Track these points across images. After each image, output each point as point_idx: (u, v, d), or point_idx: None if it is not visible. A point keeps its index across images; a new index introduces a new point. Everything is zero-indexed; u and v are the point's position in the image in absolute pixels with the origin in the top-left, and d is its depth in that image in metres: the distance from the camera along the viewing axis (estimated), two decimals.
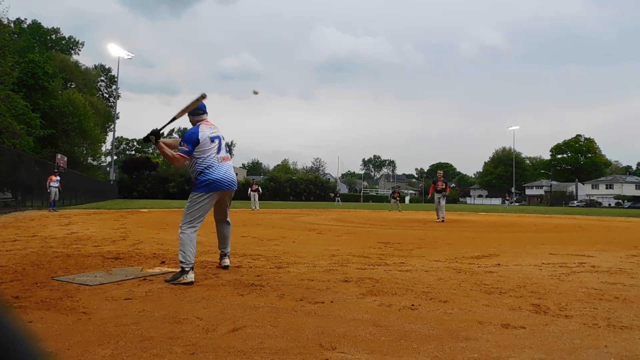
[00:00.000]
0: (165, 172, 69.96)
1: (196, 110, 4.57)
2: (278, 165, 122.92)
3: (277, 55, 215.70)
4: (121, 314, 3.02)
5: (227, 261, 4.90)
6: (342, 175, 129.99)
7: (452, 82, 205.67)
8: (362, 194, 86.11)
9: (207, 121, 4.63)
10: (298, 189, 73.47)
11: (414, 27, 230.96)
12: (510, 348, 2.46)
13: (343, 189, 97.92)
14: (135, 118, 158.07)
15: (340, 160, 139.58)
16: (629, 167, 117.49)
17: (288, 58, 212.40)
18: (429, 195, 18.05)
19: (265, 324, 2.84)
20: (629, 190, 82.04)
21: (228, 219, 4.95)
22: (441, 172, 17.33)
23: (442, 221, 15.85)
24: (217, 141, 4.54)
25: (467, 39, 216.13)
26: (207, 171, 4.43)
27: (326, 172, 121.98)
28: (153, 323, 2.82)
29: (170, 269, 4.78)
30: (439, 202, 16.42)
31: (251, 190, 25.55)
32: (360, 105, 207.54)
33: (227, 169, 4.59)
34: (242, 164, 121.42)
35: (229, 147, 4.29)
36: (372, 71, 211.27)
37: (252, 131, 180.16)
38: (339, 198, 49.77)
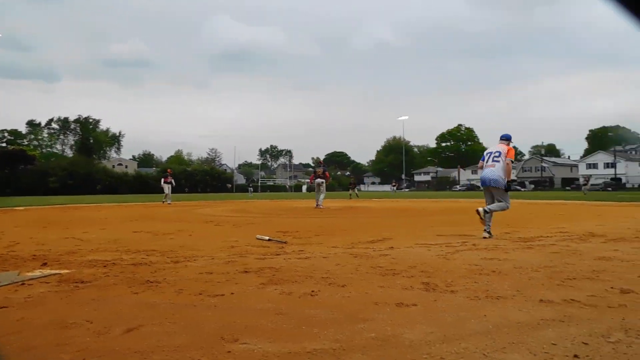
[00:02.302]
0: (44, 165, 64.14)
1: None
2: (171, 156, 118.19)
3: (170, 43, 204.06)
4: None
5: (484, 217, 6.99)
6: (239, 165, 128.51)
7: (347, 74, 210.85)
8: (259, 184, 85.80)
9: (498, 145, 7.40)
10: (194, 181, 71.36)
11: (309, 19, 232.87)
12: (404, 325, 2.62)
13: (240, 179, 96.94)
14: (8, 106, 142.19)
15: (237, 151, 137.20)
16: None
17: (182, 46, 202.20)
18: (310, 183, 18.97)
19: (163, 321, 2.73)
20: None
21: (493, 203, 7.18)
22: (319, 158, 18.78)
23: (318, 206, 16.57)
24: (486, 155, 7.39)
25: (361, 33, 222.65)
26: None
27: (222, 162, 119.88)
28: (36, 331, 2.58)
29: (53, 271, 4.40)
30: (319, 188, 17.08)
31: (164, 182, 23.04)
32: (257, 95, 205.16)
33: (486, 172, 7.20)
34: (132, 156, 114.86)
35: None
36: (270, 61, 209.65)
37: (143, 121, 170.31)
38: (251, 189, 49.50)
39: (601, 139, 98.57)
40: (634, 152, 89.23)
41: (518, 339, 2.37)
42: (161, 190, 23.85)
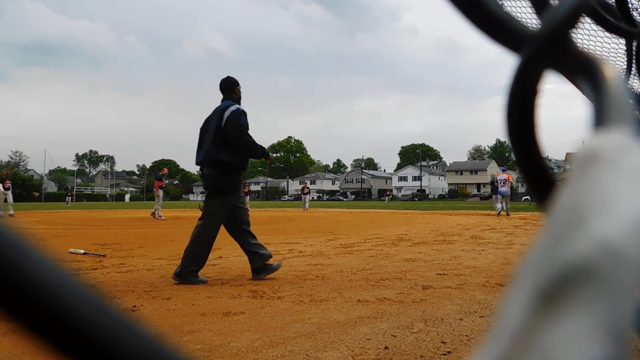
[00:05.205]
0: None
1: None
2: None
3: None
4: None
5: None
6: (50, 171, 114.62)
7: (178, 79, 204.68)
8: (74, 193, 77.64)
9: None
10: None
11: (138, 18, 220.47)
12: (231, 334, 2.61)
13: (51, 187, 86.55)
14: None
15: (48, 155, 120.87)
16: (327, 165, 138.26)
17: None
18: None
19: None
20: (327, 185, 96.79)
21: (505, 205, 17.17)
22: (165, 170, 18.85)
23: (153, 216, 16.77)
24: (499, 181, 16.73)
25: (192, 39, 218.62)
26: None
27: (29, 167, 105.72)
28: None
29: None
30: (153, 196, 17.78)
31: (4, 188, 18.72)
32: (74, 95, 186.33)
33: (502, 189, 16.87)
34: None
35: None
36: (90, 59, 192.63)
37: None
38: (69, 198, 43.80)
39: (410, 155, 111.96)
40: (435, 167, 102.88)
41: (338, 337, 2.54)
42: None
